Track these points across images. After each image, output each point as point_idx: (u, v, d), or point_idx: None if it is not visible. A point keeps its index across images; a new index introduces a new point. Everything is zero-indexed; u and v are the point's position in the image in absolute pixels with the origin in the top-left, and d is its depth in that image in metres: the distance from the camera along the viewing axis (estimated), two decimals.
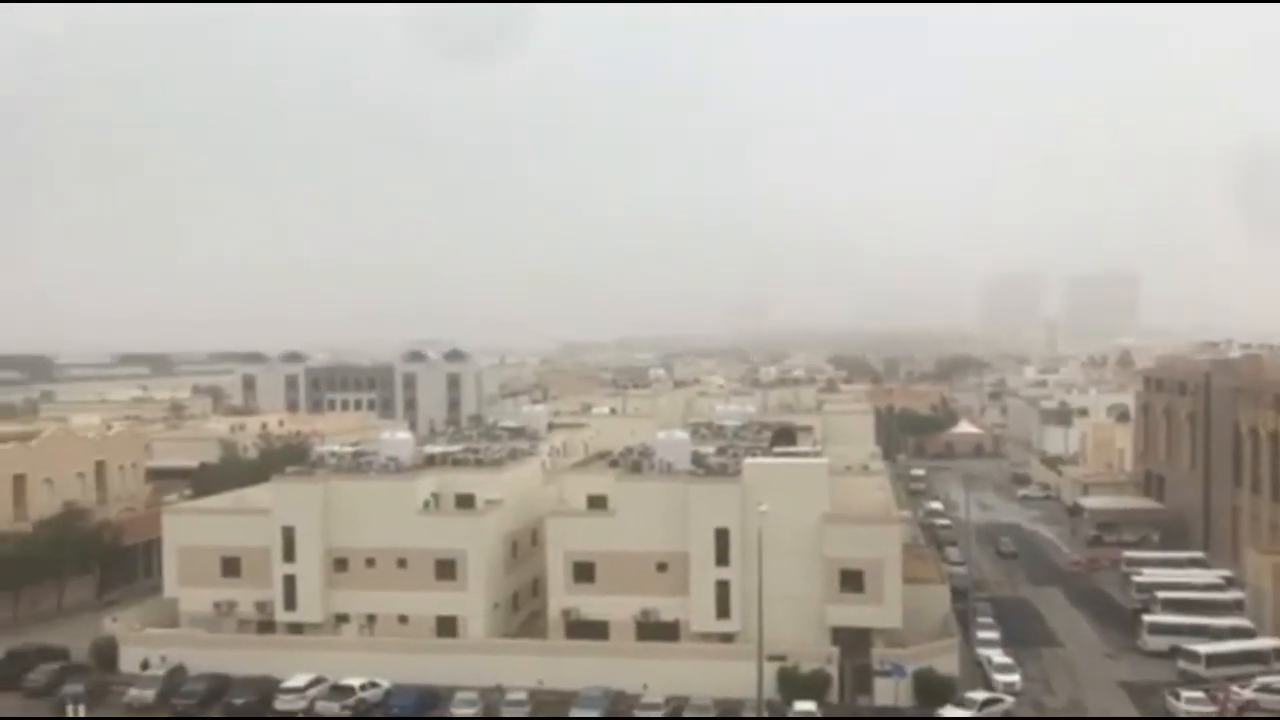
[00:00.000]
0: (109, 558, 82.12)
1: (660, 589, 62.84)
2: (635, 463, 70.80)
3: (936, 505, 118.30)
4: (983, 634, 68.77)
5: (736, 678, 56.76)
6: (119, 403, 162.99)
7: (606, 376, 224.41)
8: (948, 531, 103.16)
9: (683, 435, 74.18)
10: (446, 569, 65.15)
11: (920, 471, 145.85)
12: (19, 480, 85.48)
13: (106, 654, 64.71)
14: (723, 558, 61.81)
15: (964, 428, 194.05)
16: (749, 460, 66.79)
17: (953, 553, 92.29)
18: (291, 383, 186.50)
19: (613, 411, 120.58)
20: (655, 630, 62.73)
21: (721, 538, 61.88)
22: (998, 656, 64.32)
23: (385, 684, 59.73)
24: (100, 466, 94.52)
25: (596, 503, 67.71)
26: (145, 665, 62.78)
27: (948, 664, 59.34)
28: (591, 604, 63.29)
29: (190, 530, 69.29)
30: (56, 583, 78.98)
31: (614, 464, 73.19)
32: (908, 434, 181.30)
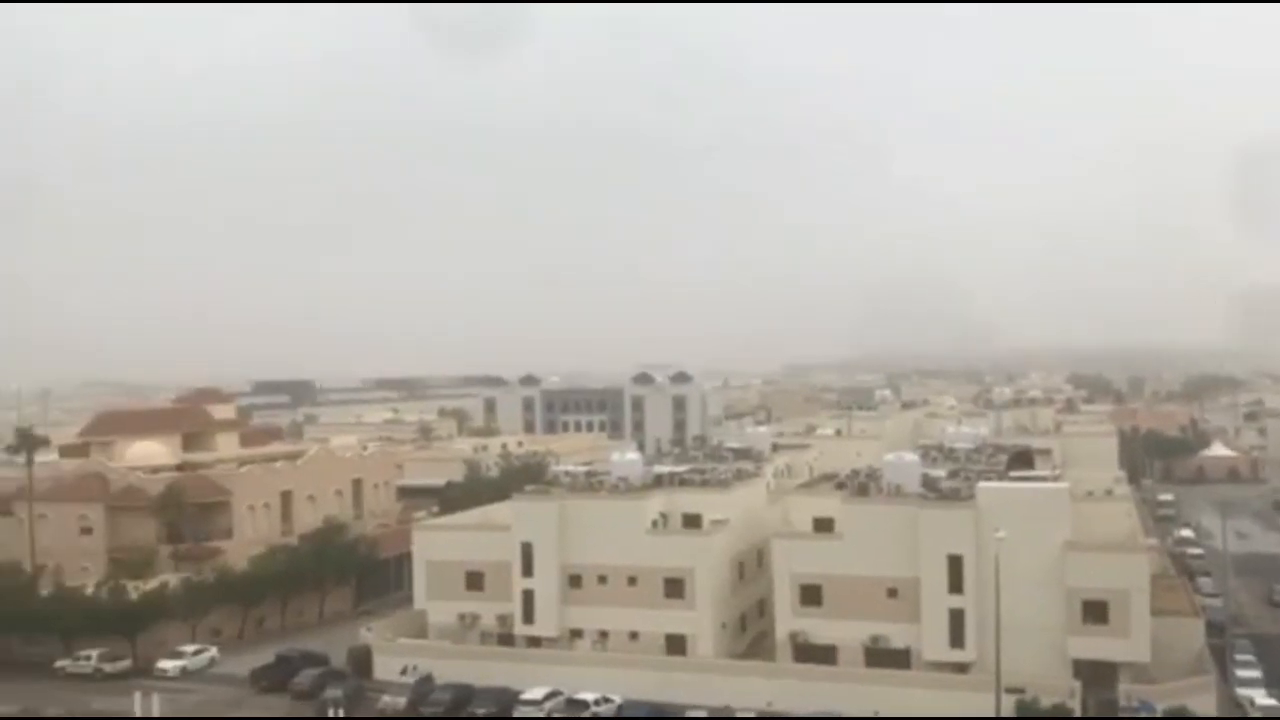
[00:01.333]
0: (364, 570, 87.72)
1: (890, 615, 61.91)
2: (863, 485, 70.07)
3: (1187, 533, 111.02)
4: (1242, 673, 64.04)
5: (971, 710, 55.16)
6: (373, 425, 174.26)
7: (831, 398, 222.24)
8: (1200, 561, 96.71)
9: (912, 457, 72.85)
10: (675, 587, 66.36)
11: (1168, 497, 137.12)
12: (286, 496, 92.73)
13: (362, 661, 69.21)
14: (956, 585, 60.32)
15: (1217, 450, 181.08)
16: (983, 484, 64.97)
17: (1206, 584, 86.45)
18: (528, 405, 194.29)
19: (838, 433, 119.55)
20: (885, 657, 61.79)
21: (955, 564, 60.41)
22: (1261, 698, 59.83)
23: (617, 699, 61.30)
24: (357, 484, 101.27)
25: (823, 525, 67.37)
26: (405, 671, 66.55)
27: (1203, 704, 55.72)
28: (819, 628, 63.01)
29: (437, 545, 73.40)
30: (318, 593, 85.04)
31: (840, 486, 72.62)
32: (1154, 457, 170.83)
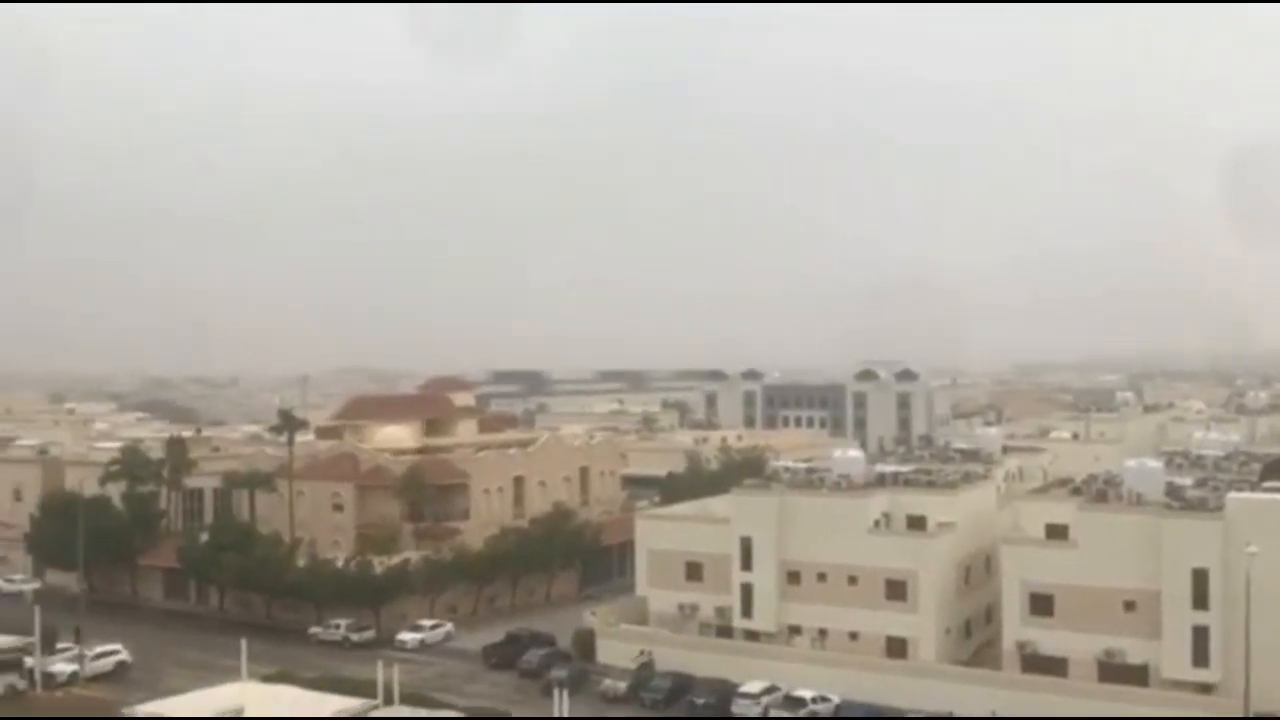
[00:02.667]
0: (589, 555, 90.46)
1: (1127, 629, 58.97)
2: (1100, 492, 66.96)
3: None
4: None
5: None
6: (600, 415, 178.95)
7: (1066, 399, 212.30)
8: None
9: (1155, 464, 69.00)
10: (897, 589, 65.42)
11: None
12: (519, 482, 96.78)
13: (586, 644, 71.54)
14: (1200, 600, 56.87)
15: None
16: (1233, 495, 60.93)
17: None
18: (749, 399, 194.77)
19: (1074, 436, 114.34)
20: (1120, 672, 58.93)
21: (1199, 579, 56.94)
22: None
23: (835, 699, 61.04)
24: (584, 472, 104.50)
25: (1056, 532, 64.82)
26: (641, 654, 67.85)
27: None
28: (1049, 638, 60.70)
29: (659, 535, 74.97)
30: (546, 575, 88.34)
31: (1076, 492, 69.68)
32: None
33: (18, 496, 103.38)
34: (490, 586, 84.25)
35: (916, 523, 69.30)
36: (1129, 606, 59.02)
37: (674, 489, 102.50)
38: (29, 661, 63.06)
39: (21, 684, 62.20)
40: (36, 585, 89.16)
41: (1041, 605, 61.23)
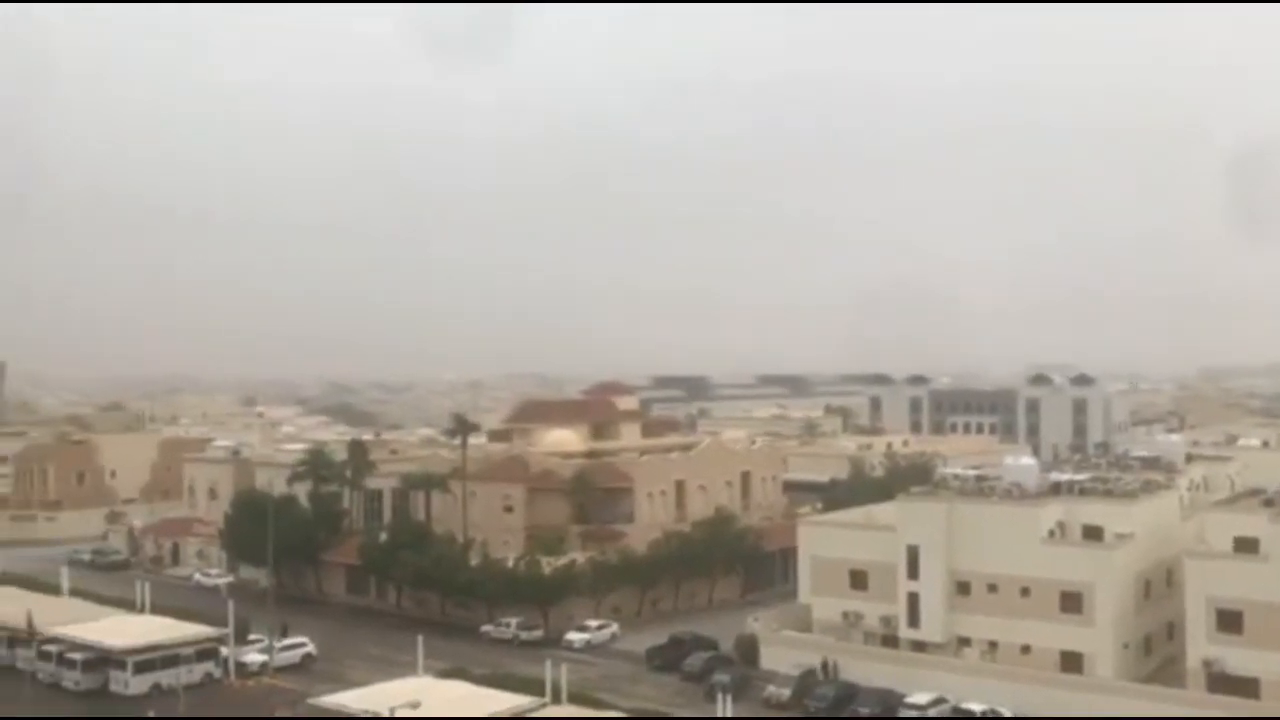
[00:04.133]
0: (751, 560, 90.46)
1: None
2: None
3: None
4: None
5: None
6: (761, 420, 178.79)
7: (1255, 404, 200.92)
8: None
9: None
10: (1072, 602, 63.28)
11: None
12: (680, 485, 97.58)
13: (749, 650, 71.60)
14: None
15: None
16: None
17: None
18: (915, 405, 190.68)
19: (1264, 445, 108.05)
20: None
21: None
22: None
23: (1006, 712, 59.50)
24: (745, 477, 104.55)
25: (1245, 546, 61.49)
26: (824, 665, 67.16)
27: None
28: (1239, 658, 57.64)
29: (822, 541, 74.44)
30: (708, 579, 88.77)
31: (1268, 503, 65.97)
32: None
33: (213, 495, 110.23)
34: (654, 589, 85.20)
35: (1093, 533, 66.90)
36: None
37: (837, 495, 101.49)
38: (224, 651, 67.25)
39: (217, 672, 66.37)
40: (230, 579, 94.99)
41: (1229, 622, 58.21)
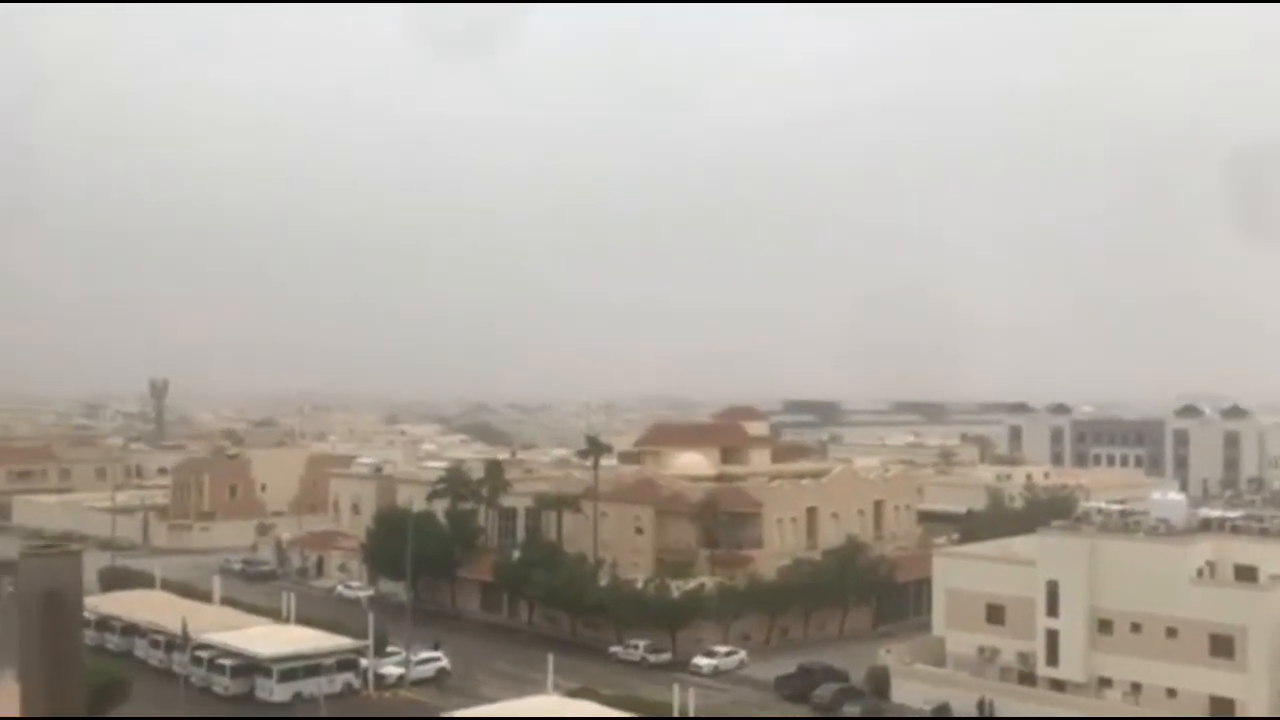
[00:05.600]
0: (884, 591, 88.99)
1: None
2: None
3: None
4: None
5: None
6: (895, 447, 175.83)
7: None
8: None
9: None
10: (1223, 645, 60.55)
11: None
12: (811, 512, 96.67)
13: (881, 682, 70.49)
14: None
15: None
16: None
17: None
18: (1057, 435, 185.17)
19: None
20: None
21: None
22: None
23: None
24: (878, 505, 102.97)
25: None
26: (980, 705, 65.06)
27: None
28: None
29: (958, 574, 72.91)
30: (839, 609, 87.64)
31: None
32: None
33: (356, 510, 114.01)
34: (783, 617, 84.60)
35: (1246, 574, 64.09)
36: None
37: (974, 527, 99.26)
38: (363, 663, 69.51)
39: (356, 683, 68.62)
40: (370, 592, 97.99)
41: None
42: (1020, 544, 74.68)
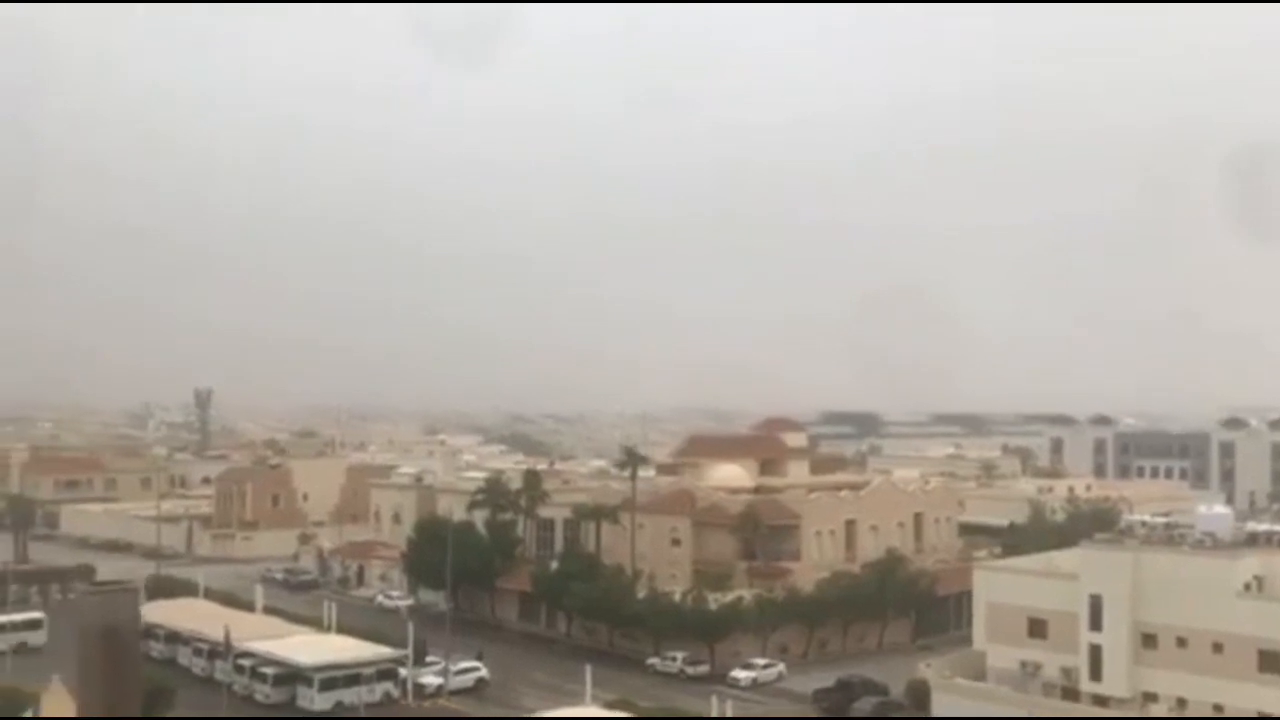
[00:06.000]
0: (923, 604, 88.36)
1: None
2: None
3: None
4: None
5: None
6: (935, 459, 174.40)
7: None
8: None
9: None
10: (1272, 661, 59.50)
11: None
12: (850, 525, 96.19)
13: (920, 696, 69.87)
14: None
15: None
16: None
17: None
18: (1099, 447, 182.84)
19: None
20: None
21: None
22: None
23: None
24: (918, 518, 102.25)
25: None
26: None
27: None
28: None
29: (999, 587, 72.18)
30: (878, 622, 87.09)
31: None
32: None
33: (397, 520, 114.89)
34: (821, 629, 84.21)
35: None
36: None
37: (1016, 540, 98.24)
38: (403, 672, 69.96)
39: (396, 693, 69.09)
40: (410, 602, 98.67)
41: None
42: (1063, 557, 73.84)
